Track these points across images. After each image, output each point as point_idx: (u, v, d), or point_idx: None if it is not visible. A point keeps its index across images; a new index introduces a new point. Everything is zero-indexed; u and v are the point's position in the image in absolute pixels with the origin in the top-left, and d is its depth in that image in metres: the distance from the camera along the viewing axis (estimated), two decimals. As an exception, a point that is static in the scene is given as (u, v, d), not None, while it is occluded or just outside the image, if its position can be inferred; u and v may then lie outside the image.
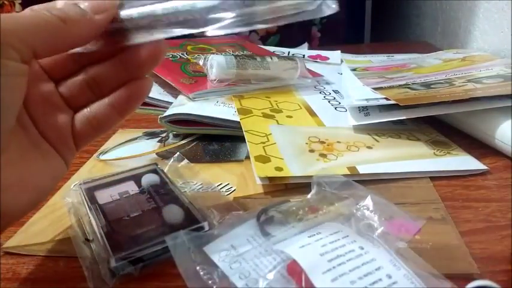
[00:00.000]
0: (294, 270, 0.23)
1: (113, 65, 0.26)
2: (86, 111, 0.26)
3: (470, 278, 0.24)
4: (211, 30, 0.22)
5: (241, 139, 0.42)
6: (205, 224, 0.28)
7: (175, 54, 0.63)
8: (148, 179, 0.34)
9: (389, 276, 0.23)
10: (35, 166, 0.24)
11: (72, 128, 0.26)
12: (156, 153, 0.42)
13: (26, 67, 0.22)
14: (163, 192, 0.32)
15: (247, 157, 0.40)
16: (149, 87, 0.26)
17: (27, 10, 0.23)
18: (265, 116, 0.46)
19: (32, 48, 0.22)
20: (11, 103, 0.21)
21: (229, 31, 0.22)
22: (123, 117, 0.27)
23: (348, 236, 0.25)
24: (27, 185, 0.24)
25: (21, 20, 0.21)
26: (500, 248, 0.27)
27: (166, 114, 0.45)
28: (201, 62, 0.54)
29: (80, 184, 0.33)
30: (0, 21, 0.20)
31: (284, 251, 0.24)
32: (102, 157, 0.42)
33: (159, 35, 0.24)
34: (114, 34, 0.24)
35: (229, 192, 0.35)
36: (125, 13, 0.24)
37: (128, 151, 0.43)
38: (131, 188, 0.33)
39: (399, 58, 0.71)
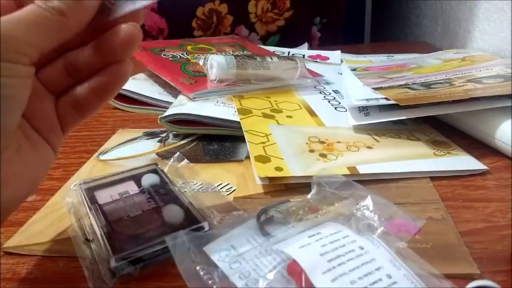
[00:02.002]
0: (294, 270, 0.23)
1: (90, 50, 0.26)
2: (67, 96, 0.26)
3: (470, 278, 0.24)
4: None
5: (241, 139, 0.42)
6: (205, 224, 0.28)
7: (175, 54, 0.63)
8: (148, 179, 0.34)
9: (390, 276, 0.23)
10: (29, 158, 0.24)
11: (57, 114, 0.26)
12: (156, 153, 0.42)
13: (33, 69, 0.22)
14: (163, 192, 0.32)
15: (247, 157, 0.40)
16: (128, 71, 0.26)
17: (29, 8, 0.22)
18: (265, 116, 0.46)
19: (39, 50, 0.22)
20: (19, 104, 0.22)
21: None
22: (105, 101, 0.27)
23: (348, 236, 0.25)
24: (23, 178, 0.24)
25: (26, 23, 0.21)
26: (500, 248, 0.27)
27: (166, 114, 0.45)
28: (201, 62, 0.54)
29: (80, 184, 0.33)
30: (8, 27, 0.21)
31: (284, 251, 0.24)
32: (102, 157, 0.42)
33: (142, 1, 0.24)
34: (98, 12, 0.25)
35: (229, 192, 0.35)
36: None
37: (128, 151, 0.43)
38: (131, 188, 0.33)
39: (399, 58, 0.71)
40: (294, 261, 0.23)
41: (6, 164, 0.22)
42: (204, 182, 0.36)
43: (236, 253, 0.25)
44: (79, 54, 0.26)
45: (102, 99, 0.27)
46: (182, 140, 0.45)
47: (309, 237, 0.25)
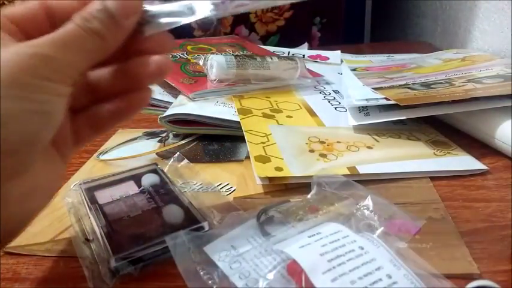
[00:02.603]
0: (294, 270, 0.23)
1: (115, 72, 0.26)
2: (84, 114, 0.27)
3: (470, 278, 0.24)
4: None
5: (241, 139, 0.42)
6: (205, 224, 0.28)
7: (175, 54, 0.63)
8: (148, 179, 0.34)
9: (390, 276, 0.23)
10: (45, 170, 0.24)
11: (72, 129, 0.26)
12: (156, 153, 0.42)
13: (72, 88, 0.23)
14: (163, 192, 0.32)
15: (247, 157, 0.40)
16: (149, 97, 0.27)
17: (68, 28, 0.23)
18: (265, 116, 0.46)
19: (79, 71, 0.23)
20: (56, 120, 0.22)
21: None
22: (121, 122, 0.27)
23: (348, 236, 0.25)
24: (45, 189, 0.24)
25: (66, 44, 0.22)
26: (500, 248, 0.27)
27: (166, 114, 0.45)
28: (201, 62, 0.54)
29: (80, 184, 0.33)
30: (51, 48, 0.21)
31: (284, 251, 0.24)
32: (102, 157, 0.42)
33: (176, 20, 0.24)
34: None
35: (229, 192, 0.35)
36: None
37: (128, 151, 0.43)
38: (131, 188, 0.33)
39: (399, 58, 0.71)
40: (294, 261, 0.23)
41: (34, 176, 0.22)
42: (204, 182, 0.36)
43: (236, 253, 0.25)
44: (104, 73, 0.26)
45: (119, 121, 0.27)
46: (182, 140, 0.45)
47: (309, 237, 0.25)
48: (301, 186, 0.34)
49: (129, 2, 0.24)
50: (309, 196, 0.32)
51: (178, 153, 0.40)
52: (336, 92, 0.55)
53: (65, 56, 0.22)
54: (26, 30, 0.24)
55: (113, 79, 0.26)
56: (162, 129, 0.48)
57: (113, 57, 0.25)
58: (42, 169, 0.24)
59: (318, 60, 0.71)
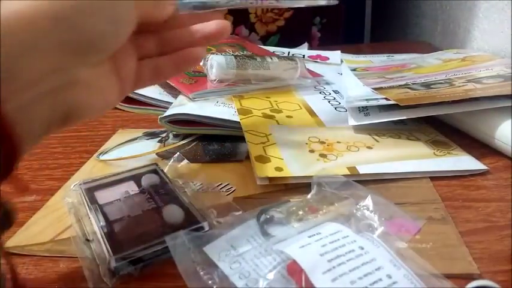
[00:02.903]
0: (294, 270, 0.23)
1: (182, 31, 0.31)
2: (149, 60, 0.30)
3: (470, 278, 0.24)
4: None
5: (241, 139, 0.42)
6: (205, 224, 0.28)
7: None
8: (149, 179, 0.34)
9: (390, 276, 0.23)
10: (110, 83, 0.27)
11: (136, 69, 0.29)
12: (156, 153, 0.42)
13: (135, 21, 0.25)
14: (163, 192, 0.32)
15: (247, 157, 0.40)
16: (203, 55, 0.32)
17: None
18: (265, 116, 0.46)
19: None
20: (125, 28, 0.24)
21: None
22: (180, 73, 0.35)
23: (348, 236, 0.25)
24: (107, 92, 0.27)
25: None
26: (500, 248, 0.27)
27: (166, 114, 0.45)
28: (201, 62, 0.54)
29: (80, 184, 0.33)
30: None
31: (284, 251, 0.24)
32: (102, 157, 0.42)
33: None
34: None
35: (229, 192, 0.35)
36: None
37: (128, 151, 0.43)
38: (131, 188, 0.33)
39: (399, 58, 0.71)
40: (294, 261, 0.23)
41: (105, 78, 0.26)
42: (204, 182, 0.36)
43: (236, 253, 0.25)
44: (175, 35, 0.31)
45: (178, 70, 0.32)
46: (182, 140, 0.45)
47: (309, 237, 0.25)
48: (301, 186, 0.34)
49: None
50: (309, 196, 0.32)
51: (178, 153, 0.40)
52: (336, 92, 0.55)
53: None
54: None
55: (178, 36, 0.31)
56: (162, 130, 0.48)
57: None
58: (106, 74, 0.26)
59: (318, 60, 0.71)
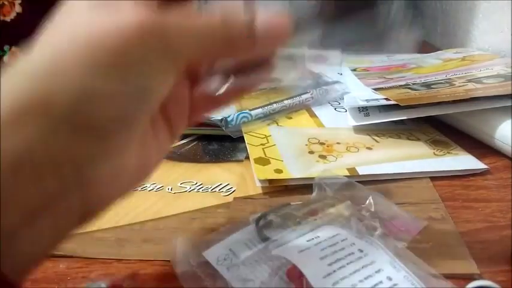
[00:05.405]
0: (293, 275, 0.23)
1: None
2: (206, 85, 0.25)
3: (470, 278, 0.24)
4: None
5: (241, 139, 0.42)
6: None
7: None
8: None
9: (390, 278, 0.23)
10: (143, 149, 0.22)
11: (188, 97, 0.25)
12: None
13: (178, 71, 0.20)
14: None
15: (247, 157, 0.40)
16: (270, 73, 0.25)
17: (210, 18, 0.20)
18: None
19: (191, 57, 0.20)
20: (156, 98, 0.20)
21: None
22: (241, 98, 0.26)
23: (346, 239, 0.25)
24: (134, 170, 0.22)
25: (195, 29, 0.19)
26: (500, 248, 0.27)
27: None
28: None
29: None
30: (179, 26, 0.19)
31: (284, 256, 0.24)
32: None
33: None
34: None
35: (229, 193, 0.35)
36: None
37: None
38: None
39: (399, 58, 0.71)
40: (294, 266, 0.23)
41: (129, 156, 0.20)
42: (204, 182, 0.36)
43: (235, 258, 0.25)
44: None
45: (239, 95, 0.26)
46: (182, 140, 0.45)
47: (308, 241, 0.25)
48: (302, 186, 0.34)
49: (277, 34, 0.22)
50: (309, 198, 0.32)
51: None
52: (335, 92, 0.55)
53: (186, 40, 0.19)
54: None
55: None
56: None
57: None
58: (138, 149, 0.21)
59: (318, 60, 0.71)
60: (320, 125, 0.45)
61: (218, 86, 0.24)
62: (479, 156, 0.38)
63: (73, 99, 0.17)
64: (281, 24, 0.22)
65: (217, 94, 0.25)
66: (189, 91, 0.25)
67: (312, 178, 0.33)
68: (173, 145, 0.25)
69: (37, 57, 0.18)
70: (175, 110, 0.24)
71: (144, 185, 0.35)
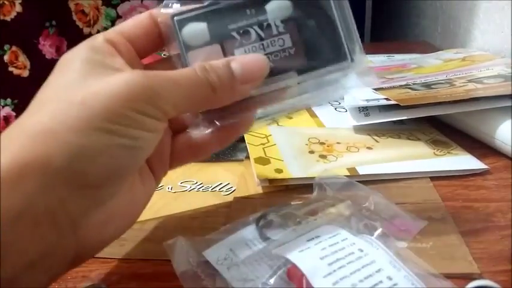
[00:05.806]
0: (294, 274, 0.23)
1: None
2: (185, 135, 0.27)
3: (470, 278, 0.24)
4: None
5: (241, 138, 0.42)
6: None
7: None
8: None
9: (390, 278, 0.23)
10: (130, 196, 0.24)
11: (171, 148, 0.27)
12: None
13: (166, 124, 0.22)
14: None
15: (248, 157, 0.40)
16: (251, 124, 0.27)
17: (186, 71, 0.22)
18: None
19: (179, 112, 0.23)
20: (143, 155, 0.22)
21: None
22: (222, 147, 0.28)
23: (346, 238, 0.25)
24: (122, 216, 0.24)
25: (177, 85, 0.22)
26: (500, 248, 0.27)
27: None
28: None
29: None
30: (160, 83, 0.21)
31: (284, 256, 0.24)
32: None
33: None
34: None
35: (229, 192, 0.35)
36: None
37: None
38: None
39: (399, 58, 0.71)
40: (294, 266, 0.23)
41: (118, 203, 0.22)
42: (204, 181, 0.36)
43: (235, 258, 0.25)
44: None
45: (220, 144, 0.28)
46: (182, 140, 0.45)
47: (308, 240, 0.25)
48: (302, 186, 0.34)
49: (253, 72, 0.23)
50: (309, 198, 0.32)
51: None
52: (336, 92, 0.55)
53: (171, 95, 0.21)
54: (137, 45, 0.24)
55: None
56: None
57: None
58: (127, 195, 0.23)
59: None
60: (320, 124, 0.45)
61: (201, 132, 0.26)
62: (479, 156, 0.38)
63: (69, 159, 0.19)
64: (258, 64, 0.24)
65: (200, 141, 0.27)
66: (170, 141, 0.26)
67: (312, 178, 0.33)
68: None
69: (36, 118, 0.20)
70: (158, 158, 0.26)
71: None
